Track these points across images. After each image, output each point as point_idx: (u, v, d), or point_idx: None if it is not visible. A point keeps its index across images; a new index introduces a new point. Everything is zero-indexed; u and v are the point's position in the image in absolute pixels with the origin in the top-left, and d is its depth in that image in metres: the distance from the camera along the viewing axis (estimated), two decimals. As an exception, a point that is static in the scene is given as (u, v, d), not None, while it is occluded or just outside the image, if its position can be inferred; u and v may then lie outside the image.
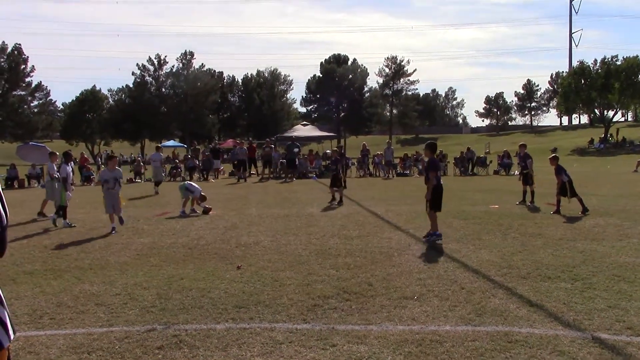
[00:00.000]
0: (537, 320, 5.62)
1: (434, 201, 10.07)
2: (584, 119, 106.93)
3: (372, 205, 15.90)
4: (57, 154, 15.02)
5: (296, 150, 30.74)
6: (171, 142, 70.17)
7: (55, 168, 14.20)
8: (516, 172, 32.19)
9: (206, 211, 14.63)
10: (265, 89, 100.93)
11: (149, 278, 7.66)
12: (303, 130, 45.15)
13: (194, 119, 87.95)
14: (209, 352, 4.91)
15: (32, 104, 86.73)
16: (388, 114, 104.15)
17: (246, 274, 7.80)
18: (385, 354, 4.80)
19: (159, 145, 29.22)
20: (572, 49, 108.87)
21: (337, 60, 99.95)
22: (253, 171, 33.50)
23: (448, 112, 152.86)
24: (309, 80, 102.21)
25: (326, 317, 5.84)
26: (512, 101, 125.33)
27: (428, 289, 6.86)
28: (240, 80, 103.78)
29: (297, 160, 30.95)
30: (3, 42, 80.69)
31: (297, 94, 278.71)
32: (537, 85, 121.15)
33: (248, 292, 6.83)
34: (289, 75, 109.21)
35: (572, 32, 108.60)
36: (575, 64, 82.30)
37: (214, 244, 10.21)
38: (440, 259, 8.60)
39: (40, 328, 5.66)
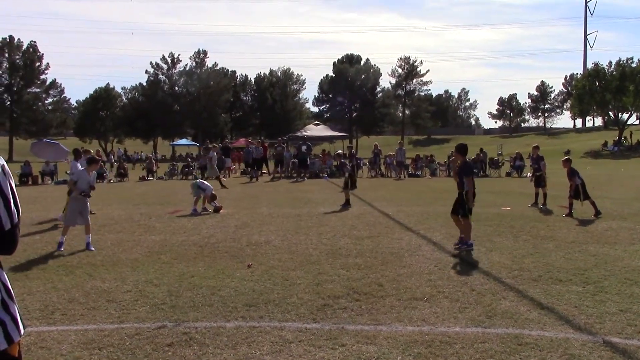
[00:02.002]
0: (548, 323, 5.59)
1: (467, 207, 9.49)
2: (598, 121, 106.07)
3: (383, 206, 15.87)
4: (81, 152, 14.75)
5: (305, 148, 30.75)
6: (184, 141, 70.44)
7: (79, 166, 13.97)
8: (528, 174, 32.04)
9: (217, 209, 14.67)
10: (278, 88, 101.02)
11: (160, 275, 7.70)
12: (315, 130, 45.16)
13: (206, 117, 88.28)
14: (218, 350, 4.93)
15: (46, 102, 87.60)
16: (400, 114, 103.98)
17: (256, 272, 7.82)
18: (395, 354, 4.80)
19: (215, 145, 29.59)
20: (587, 51, 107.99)
21: (350, 60, 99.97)
22: (265, 170, 33.55)
23: (461, 113, 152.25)
24: (321, 80, 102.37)
25: (336, 316, 5.85)
26: (526, 103, 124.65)
27: (438, 290, 6.84)
28: (252, 80, 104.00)
29: (308, 159, 30.97)
30: (18, 39, 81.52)
31: (309, 93, 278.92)
32: (551, 87, 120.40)
33: (258, 291, 6.85)
34: (301, 75, 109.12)
35: (587, 33, 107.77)
36: (589, 65, 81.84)
37: (225, 242, 10.24)
38: (451, 261, 8.57)
39: (52, 323, 5.70)
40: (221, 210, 14.71)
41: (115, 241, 10.47)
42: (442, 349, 4.90)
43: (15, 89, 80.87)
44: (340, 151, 23.39)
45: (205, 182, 15.77)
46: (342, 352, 4.85)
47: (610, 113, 75.03)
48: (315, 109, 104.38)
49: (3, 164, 2.27)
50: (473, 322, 5.63)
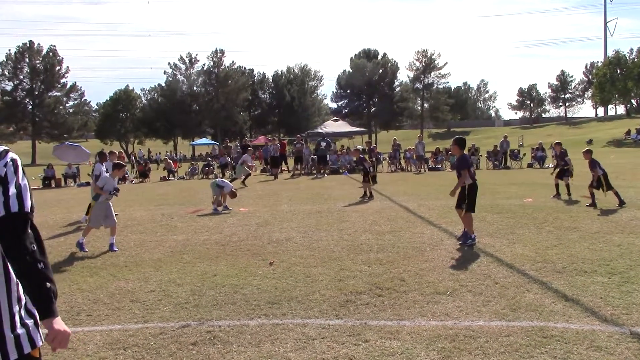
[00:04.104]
0: (573, 315, 5.53)
1: (470, 201, 9.48)
2: (620, 109, 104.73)
3: (403, 200, 15.81)
4: (106, 154, 14.79)
5: (324, 144, 30.74)
6: (203, 140, 70.86)
7: (104, 169, 14.04)
8: (550, 165, 31.68)
9: (225, 208, 14.65)
10: (296, 85, 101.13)
11: (183, 275, 7.75)
12: (334, 126, 45.18)
13: (225, 116, 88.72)
14: (242, 348, 4.95)
15: (67, 105, 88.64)
16: (419, 108, 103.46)
17: (278, 270, 7.84)
18: (418, 349, 4.78)
19: (250, 148, 29.93)
20: (607, 39, 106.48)
21: (367, 55, 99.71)
22: (284, 168, 33.59)
23: (480, 105, 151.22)
24: (339, 75, 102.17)
25: (358, 312, 5.84)
26: (546, 93, 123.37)
27: (461, 284, 6.80)
28: (270, 77, 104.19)
29: (328, 155, 30.96)
30: (38, 44, 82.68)
31: (327, 89, 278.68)
32: (571, 76, 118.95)
33: (280, 288, 6.86)
34: (319, 71, 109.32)
35: (607, 21, 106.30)
36: (610, 53, 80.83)
37: (247, 240, 10.28)
38: (474, 254, 8.51)
39: (78, 324, 5.77)
40: (242, 209, 14.76)
41: (138, 242, 10.56)
42: (467, 343, 4.88)
43: (36, 93, 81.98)
44: (359, 146, 23.41)
45: (225, 180, 15.82)
46: (365, 348, 4.84)
47: (632, 101, 74.00)
48: (333, 105, 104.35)
49: (14, 158, 2.37)
50: (497, 315, 5.59)
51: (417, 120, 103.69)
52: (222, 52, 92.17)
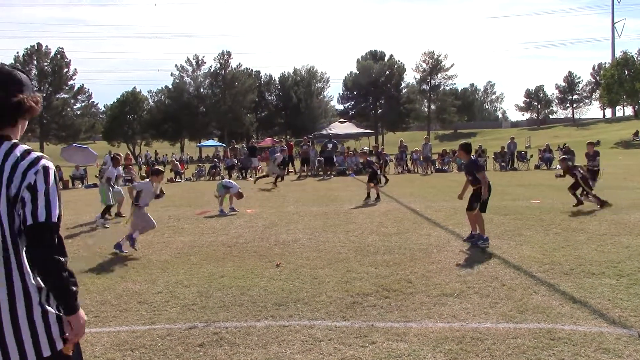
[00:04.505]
0: (581, 317, 5.51)
1: (484, 202, 9.55)
2: (628, 110, 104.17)
3: (410, 202, 15.80)
4: (119, 158, 15.26)
5: (330, 146, 30.75)
6: (210, 142, 70.98)
7: (116, 172, 14.50)
8: (558, 166, 31.56)
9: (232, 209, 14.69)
10: (302, 86, 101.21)
11: (190, 276, 7.77)
12: (340, 127, 45.14)
13: (232, 118, 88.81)
14: (249, 350, 4.95)
15: (75, 107, 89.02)
16: (426, 109, 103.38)
17: (285, 271, 7.84)
18: (425, 351, 4.77)
19: (283, 148, 30.13)
20: (615, 39, 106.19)
21: (374, 57, 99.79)
22: (291, 169, 33.61)
23: (487, 107, 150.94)
24: (345, 77, 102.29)
25: (365, 314, 5.83)
26: (553, 94, 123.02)
27: (468, 285, 6.78)
28: (277, 79, 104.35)
29: (334, 157, 30.96)
30: (46, 46, 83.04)
31: (334, 91, 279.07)
32: (579, 77, 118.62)
33: (287, 290, 6.86)
34: (325, 73, 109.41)
35: (615, 21, 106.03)
36: (618, 54, 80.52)
37: (253, 242, 10.29)
38: (481, 256, 8.49)
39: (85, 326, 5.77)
40: (248, 211, 14.77)
41: (145, 243, 10.58)
42: (474, 345, 4.86)
43: (44, 95, 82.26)
44: (365, 148, 23.42)
45: (231, 181, 15.82)
46: (372, 350, 4.84)
47: (640, 102, 73.72)
48: (340, 107, 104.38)
49: (46, 165, 2.36)
50: (504, 317, 5.58)
51: (423, 122, 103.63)
52: (229, 54, 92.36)
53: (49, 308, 2.38)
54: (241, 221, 13.06)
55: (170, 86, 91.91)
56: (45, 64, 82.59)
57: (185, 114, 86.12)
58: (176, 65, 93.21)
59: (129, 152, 42.89)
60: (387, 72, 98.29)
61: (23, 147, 2.38)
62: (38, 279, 2.35)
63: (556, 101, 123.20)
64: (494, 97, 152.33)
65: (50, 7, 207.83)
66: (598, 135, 70.58)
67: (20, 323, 2.31)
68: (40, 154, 2.38)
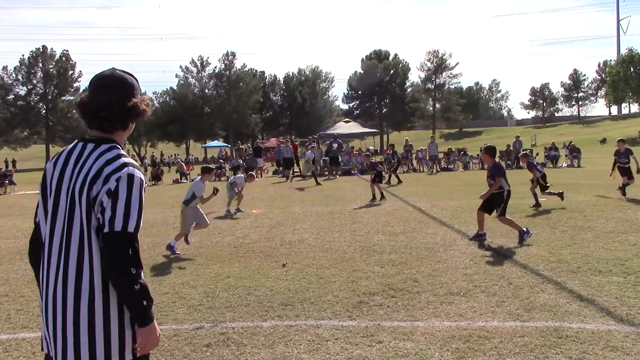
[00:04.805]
0: (589, 315, 5.49)
1: (505, 206, 9.66)
2: (634, 107, 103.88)
3: (416, 201, 15.78)
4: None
5: (335, 146, 30.75)
6: (215, 142, 71.08)
7: None
8: (564, 164, 31.46)
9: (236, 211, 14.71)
10: (307, 86, 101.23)
11: (196, 277, 7.78)
12: (345, 127, 45.12)
13: (237, 118, 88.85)
14: (255, 350, 4.95)
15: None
16: (431, 108, 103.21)
17: (291, 271, 7.84)
18: (432, 350, 4.76)
19: (313, 145, 30.55)
20: (620, 37, 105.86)
21: (378, 56, 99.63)
22: (296, 169, 33.59)
23: (492, 105, 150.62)
24: (350, 76, 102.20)
25: (372, 313, 5.83)
26: (558, 92, 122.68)
27: (475, 284, 6.77)
28: (281, 79, 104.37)
29: (340, 156, 30.96)
30: (51, 49, 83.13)
31: (338, 91, 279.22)
32: (584, 75, 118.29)
33: (293, 290, 6.86)
34: (330, 73, 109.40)
35: (620, 18, 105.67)
36: (623, 51, 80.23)
37: (259, 242, 10.29)
38: (487, 254, 8.48)
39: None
40: (254, 211, 14.78)
41: (151, 244, 10.61)
42: (481, 343, 4.85)
43: (49, 97, 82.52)
44: (371, 148, 23.45)
45: (236, 176, 15.75)
46: (379, 349, 4.84)
47: (646, 99, 73.44)
48: (345, 106, 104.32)
49: (131, 173, 2.35)
50: (511, 315, 5.56)
51: (428, 121, 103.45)
52: (234, 54, 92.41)
53: (112, 314, 2.37)
54: (247, 221, 13.07)
55: (175, 87, 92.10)
56: (51, 66, 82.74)
57: (190, 115, 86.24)
58: (181, 67, 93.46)
59: (134, 154, 42.85)
60: (392, 72, 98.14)
61: (116, 152, 2.40)
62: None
63: (562, 99, 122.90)
64: (499, 95, 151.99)
65: (56, 9, 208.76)
66: (604, 132, 70.37)
67: (81, 324, 2.32)
68: (129, 160, 2.38)
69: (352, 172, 31.14)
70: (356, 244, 9.66)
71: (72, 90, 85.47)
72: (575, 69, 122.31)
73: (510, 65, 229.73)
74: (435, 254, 8.63)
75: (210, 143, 73.81)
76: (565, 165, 32.63)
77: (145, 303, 2.35)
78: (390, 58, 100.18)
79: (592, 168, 28.67)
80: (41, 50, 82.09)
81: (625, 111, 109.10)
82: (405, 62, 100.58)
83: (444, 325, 5.36)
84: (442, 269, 7.62)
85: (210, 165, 11.51)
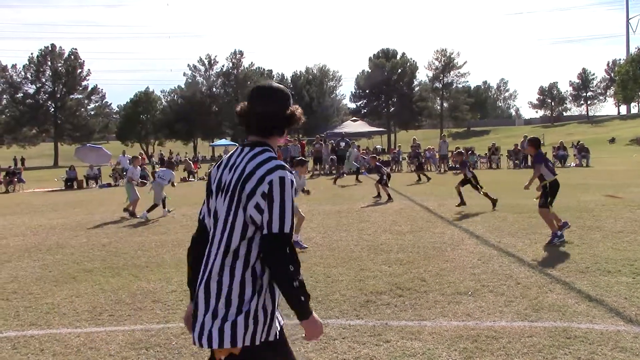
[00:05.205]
0: (597, 315, 5.46)
1: (551, 198, 9.36)
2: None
3: (423, 200, 15.75)
4: (139, 158, 16.11)
5: (343, 144, 30.72)
6: (223, 141, 71.10)
7: (137, 172, 15.33)
8: (572, 164, 31.32)
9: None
10: (315, 85, 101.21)
11: (204, 275, 7.77)
12: (353, 126, 45.11)
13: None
14: (263, 348, 4.94)
15: (88, 107, 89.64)
16: (438, 107, 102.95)
17: (298, 270, 7.83)
18: (440, 350, 4.75)
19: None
20: (630, 36, 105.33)
21: (386, 55, 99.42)
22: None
23: (500, 104, 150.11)
24: (357, 75, 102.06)
25: (379, 313, 5.82)
26: (567, 91, 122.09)
27: (482, 284, 6.75)
28: (289, 78, 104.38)
29: (347, 155, 30.89)
30: (60, 47, 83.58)
31: (346, 89, 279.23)
32: (593, 74, 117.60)
33: (301, 289, 6.84)
34: (337, 71, 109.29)
35: (629, 17, 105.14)
36: (633, 50, 79.78)
37: (267, 240, 10.26)
38: (495, 254, 8.45)
39: (100, 324, 5.82)
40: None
41: (159, 242, 10.64)
42: (489, 343, 4.84)
43: (58, 95, 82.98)
44: (378, 147, 23.48)
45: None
46: (386, 349, 4.83)
47: (656, 99, 73.03)
48: (352, 105, 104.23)
49: (283, 176, 2.50)
50: (519, 315, 5.54)
51: (436, 120, 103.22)
52: (241, 53, 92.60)
53: (262, 308, 2.52)
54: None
55: (183, 86, 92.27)
56: (59, 64, 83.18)
57: (198, 114, 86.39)
58: (189, 65, 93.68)
59: (142, 152, 43.04)
60: (400, 70, 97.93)
61: (268, 154, 2.59)
62: (264, 278, 2.53)
63: (570, 98, 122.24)
64: (507, 94, 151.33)
65: (64, 8, 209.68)
66: (613, 132, 70.02)
67: (232, 306, 2.49)
68: (279, 163, 2.55)
69: (360, 171, 31.08)
70: (363, 243, 9.65)
71: (80, 88, 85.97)
72: (584, 68, 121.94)
73: (518, 64, 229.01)
74: (442, 253, 8.61)
75: (217, 142, 73.80)
76: (574, 164, 32.50)
77: (303, 299, 2.50)
78: (398, 57, 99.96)
79: (600, 168, 28.54)
80: (50, 48, 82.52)
81: (634, 110, 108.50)
82: (413, 60, 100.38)
83: (451, 325, 5.35)
84: (449, 269, 7.60)
85: (304, 158, 12.08)
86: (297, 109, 2.75)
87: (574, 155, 35.07)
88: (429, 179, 23.70)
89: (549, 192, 9.36)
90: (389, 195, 16.46)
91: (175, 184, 15.61)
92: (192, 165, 35.15)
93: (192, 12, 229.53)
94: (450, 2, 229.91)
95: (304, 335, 2.62)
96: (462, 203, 13.93)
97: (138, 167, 15.79)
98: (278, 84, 2.75)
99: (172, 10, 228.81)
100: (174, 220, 13.71)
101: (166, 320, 5.85)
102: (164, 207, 14.88)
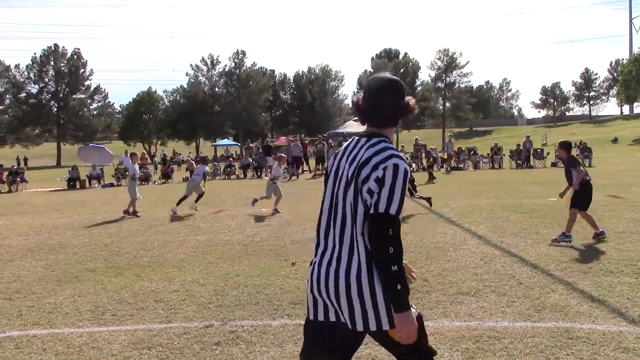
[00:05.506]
0: (600, 316, 5.45)
1: (582, 199, 9.42)
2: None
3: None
4: (138, 154, 16.49)
5: (344, 145, 30.68)
6: (225, 141, 71.16)
7: (136, 169, 15.56)
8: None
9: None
10: (317, 85, 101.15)
11: (206, 275, 7.79)
12: (355, 126, 44.96)
13: (246, 117, 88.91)
14: (265, 348, 4.96)
15: (91, 107, 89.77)
16: (441, 107, 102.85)
17: (301, 270, 7.84)
18: (442, 350, 4.74)
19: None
20: (633, 35, 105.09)
21: (388, 55, 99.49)
22: (305, 168, 33.60)
23: (503, 104, 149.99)
24: (360, 75, 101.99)
25: (381, 313, 5.80)
26: (570, 91, 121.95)
27: (485, 284, 6.74)
28: (291, 78, 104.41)
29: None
30: (63, 47, 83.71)
31: (348, 89, 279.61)
32: (596, 74, 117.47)
33: (303, 289, 6.85)
34: (340, 71, 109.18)
35: (632, 17, 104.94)
36: (636, 50, 79.61)
37: (269, 240, 10.30)
38: (497, 254, 8.44)
39: (103, 324, 5.82)
40: (264, 209, 14.80)
41: (161, 242, 10.64)
42: (491, 344, 4.83)
43: (61, 95, 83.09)
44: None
45: (275, 167, 15.60)
46: (388, 349, 4.81)
47: (658, 98, 72.90)
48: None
49: (397, 164, 2.58)
50: (521, 316, 5.53)
51: (438, 120, 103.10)
52: (244, 53, 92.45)
53: (377, 289, 2.58)
54: (256, 220, 13.09)
55: (185, 86, 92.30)
56: (62, 64, 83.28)
57: (200, 113, 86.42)
58: (191, 65, 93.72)
59: (144, 152, 43.11)
60: (402, 70, 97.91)
61: (384, 144, 2.68)
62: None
63: (573, 98, 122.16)
64: (509, 94, 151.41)
65: (67, 8, 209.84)
66: (615, 132, 69.91)
67: (352, 293, 2.60)
68: (394, 152, 2.63)
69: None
70: (366, 243, 9.62)
71: (83, 88, 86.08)
72: (586, 68, 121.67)
73: (521, 64, 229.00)
74: (445, 253, 8.61)
75: (220, 141, 73.85)
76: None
77: (399, 287, 2.51)
78: (401, 56, 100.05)
79: (603, 168, 28.49)
80: (53, 48, 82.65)
81: (637, 110, 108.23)
82: (416, 60, 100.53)
83: (453, 325, 5.35)
84: (451, 269, 7.60)
85: (283, 154, 13.24)
86: (411, 100, 2.81)
87: (577, 155, 34.91)
88: (433, 178, 23.75)
89: (582, 193, 9.36)
90: None
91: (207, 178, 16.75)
92: (194, 165, 35.10)
93: (194, 12, 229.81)
94: (452, 2, 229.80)
95: (398, 335, 2.59)
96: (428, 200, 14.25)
97: (137, 163, 15.93)
98: (393, 76, 2.82)
99: (175, 11, 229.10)
100: (175, 219, 13.72)
101: (168, 320, 5.85)
102: (195, 201, 15.59)
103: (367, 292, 2.58)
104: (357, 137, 2.83)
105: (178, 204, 15.09)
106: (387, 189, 2.53)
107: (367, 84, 2.80)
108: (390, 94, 2.73)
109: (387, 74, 2.83)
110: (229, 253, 9.28)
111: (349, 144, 2.86)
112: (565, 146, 9.88)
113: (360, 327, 2.62)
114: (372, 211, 2.54)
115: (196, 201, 15.50)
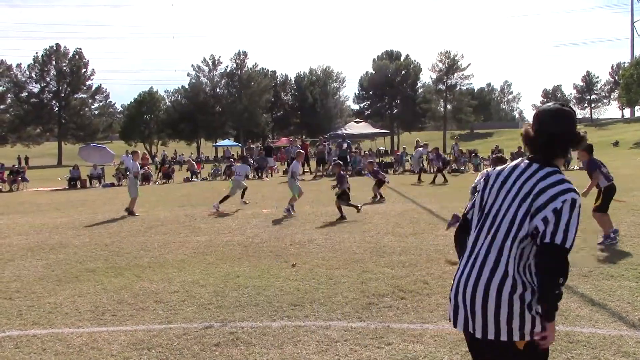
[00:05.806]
0: (600, 320, 5.44)
1: (606, 203, 9.52)
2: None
3: (426, 202, 15.73)
4: (139, 152, 16.74)
5: (345, 146, 30.66)
6: (226, 142, 71.15)
7: (138, 166, 15.79)
8: (575, 167, 31.25)
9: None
10: (318, 86, 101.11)
11: (206, 276, 7.79)
12: (356, 127, 45.08)
13: (248, 118, 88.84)
14: (264, 350, 4.95)
15: (92, 107, 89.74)
16: (442, 109, 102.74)
17: (301, 272, 7.84)
18: (442, 353, 4.74)
19: (426, 143, 30.83)
20: (634, 39, 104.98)
21: (390, 56, 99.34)
22: (306, 169, 33.56)
23: (504, 107, 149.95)
24: (361, 77, 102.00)
25: (381, 315, 5.81)
26: (571, 94, 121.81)
27: (485, 287, 6.72)
28: (293, 79, 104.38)
29: (348, 156, 30.86)
30: (64, 47, 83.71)
31: (349, 91, 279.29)
32: (597, 77, 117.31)
33: (303, 290, 6.86)
34: (341, 73, 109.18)
35: (634, 20, 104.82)
36: (637, 54, 79.54)
37: (269, 242, 10.30)
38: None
39: (103, 324, 5.82)
40: (264, 210, 14.80)
41: (161, 242, 10.64)
42: (491, 347, 4.81)
43: (62, 95, 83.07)
44: (381, 148, 23.64)
45: (292, 170, 15.49)
46: (388, 351, 4.82)
47: (660, 102, 72.84)
48: (355, 106, 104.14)
49: (575, 198, 2.69)
50: (522, 319, 5.52)
51: (439, 122, 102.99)
52: (245, 53, 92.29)
53: (527, 308, 2.71)
54: (257, 221, 13.09)
55: (186, 86, 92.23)
56: (64, 64, 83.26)
57: (202, 114, 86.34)
58: (193, 65, 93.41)
59: (145, 152, 43.12)
60: (403, 72, 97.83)
61: (560, 176, 2.74)
62: (534, 281, 2.73)
63: (574, 101, 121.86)
64: (510, 97, 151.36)
65: (69, 8, 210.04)
66: (617, 135, 69.82)
67: (489, 303, 2.74)
68: (572, 187, 2.72)
69: (363, 172, 31.07)
70: (366, 245, 9.64)
71: (84, 88, 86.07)
72: (588, 71, 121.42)
73: (522, 66, 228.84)
74: (445, 255, 8.60)
75: (221, 142, 73.82)
76: (577, 167, 32.39)
77: (557, 306, 2.72)
78: (402, 58, 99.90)
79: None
80: (54, 48, 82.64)
81: (638, 114, 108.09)
82: (417, 62, 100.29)
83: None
84: (452, 271, 7.58)
85: (301, 150, 14.14)
86: (581, 130, 2.88)
87: (578, 158, 34.95)
88: (445, 181, 23.73)
89: (604, 196, 9.44)
90: (380, 195, 16.69)
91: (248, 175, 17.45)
92: (195, 166, 35.13)
93: (196, 12, 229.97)
94: (454, 4, 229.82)
95: (537, 333, 2.74)
96: (380, 198, 15.69)
97: (137, 161, 16.06)
98: (564, 106, 2.88)
99: (177, 11, 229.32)
100: (176, 220, 13.71)
101: (168, 321, 5.85)
102: (242, 197, 16.96)
103: (505, 305, 2.70)
104: (527, 161, 2.85)
105: (221, 202, 15.55)
106: (565, 222, 2.64)
107: (537, 114, 2.89)
108: (561, 125, 2.80)
109: (557, 104, 2.90)
110: (229, 254, 9.28)
111: (516, 165, 2.90)
112: (587, 148, 9.87)
113: (491, 336, 2.76)
114: (547, 240, 2.63)
115: (242, 197, 16.90)
